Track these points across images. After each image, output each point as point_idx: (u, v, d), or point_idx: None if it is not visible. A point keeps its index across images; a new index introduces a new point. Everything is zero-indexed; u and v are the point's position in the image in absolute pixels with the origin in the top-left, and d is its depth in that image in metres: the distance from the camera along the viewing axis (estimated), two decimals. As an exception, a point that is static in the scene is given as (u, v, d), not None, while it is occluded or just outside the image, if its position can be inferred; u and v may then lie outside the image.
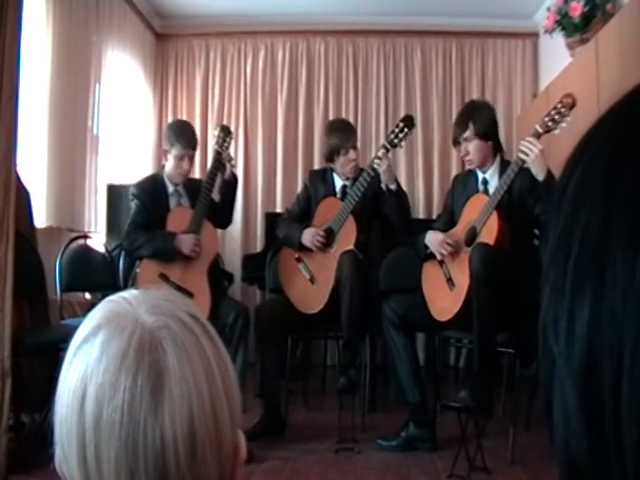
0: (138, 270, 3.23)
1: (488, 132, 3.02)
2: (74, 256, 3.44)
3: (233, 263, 4.90)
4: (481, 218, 2.85)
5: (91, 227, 4.26)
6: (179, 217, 3.26)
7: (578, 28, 3.69)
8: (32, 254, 3.17)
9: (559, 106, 2.72)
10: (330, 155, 3.44)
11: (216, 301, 3.14)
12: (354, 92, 5.49)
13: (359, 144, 3.63)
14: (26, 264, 2.93)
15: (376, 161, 3.18)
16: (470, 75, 5.47)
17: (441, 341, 3.30)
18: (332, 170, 3.50)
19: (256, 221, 5.39)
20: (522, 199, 2.88)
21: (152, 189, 3.33)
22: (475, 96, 5.14)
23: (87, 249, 3.61)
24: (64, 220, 3.94)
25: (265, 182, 5.45)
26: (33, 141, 3.66)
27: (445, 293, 2.94)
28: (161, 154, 3.57)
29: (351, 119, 4.92)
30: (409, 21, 5.35)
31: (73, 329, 0.58)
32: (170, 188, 3.35)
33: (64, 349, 0.57)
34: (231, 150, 3.50)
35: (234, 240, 5.31)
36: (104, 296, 0.64)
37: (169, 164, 3.34)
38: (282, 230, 3.46)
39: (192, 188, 3.35)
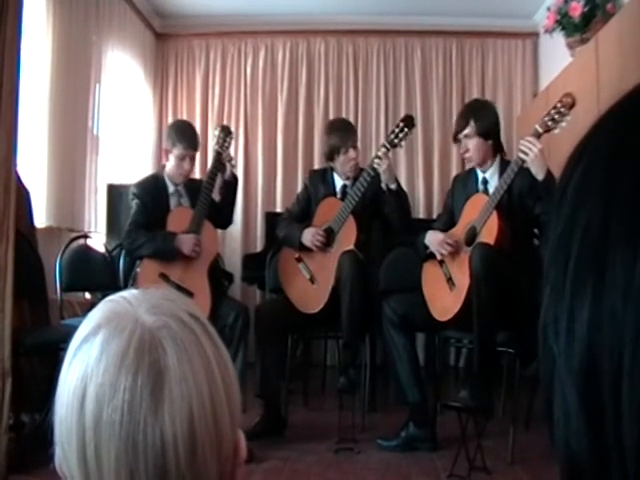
0: (138, 270, 3.23)
1: (489, 131, 3.02)
2: (74, 256, 3.43)
3: (233, 263, 4.90)
4: (481, 218, 2.85)
5: (91, 227, 4.26)
6: (179, 217, 3.26)
7: (578, 28, 3.69)
8: (32, 254, 3.17)
9: (559, 106, 2.72)
10: (330, 154, 3.44)
11: (216, 301, 3.14)
12: (354, 92, 5.49)
13: (359, 144, 3.63)
14: (26, 264, 2.93)
15: (376, 161, 3.18)
16: (470, 75, 5.47)
17: (441, 341, 3.30)
18: (332, 170, 3.50)
19: (256, 221, 5.39)
20: (522, 199, 2.87)
21: (153, 189, 3.33)
22: (475, 96, 5.13)
23: (87, 249, 3.60)
24: (64, 220, 3.94)
25: (265, 182, 5.44)
26: (33, 141, 3.66)
27: (445, 293, 2.94)
28: (161, 154, 3.57)
29: (351, 119, 4.91)
30: (409, 21, 5.35)
31: (73, 329, 0.58)
32: (171, 188, 3.36)
33: (64, 349, 0.57)
34: (231, 150, 3.50)
35: (234, 240, 5.31)
36: (104, 296, 0.64)
37: (170, 164, 3.34)
38: (282, 230, 3.46)
39: (192, 188, 3.35)
